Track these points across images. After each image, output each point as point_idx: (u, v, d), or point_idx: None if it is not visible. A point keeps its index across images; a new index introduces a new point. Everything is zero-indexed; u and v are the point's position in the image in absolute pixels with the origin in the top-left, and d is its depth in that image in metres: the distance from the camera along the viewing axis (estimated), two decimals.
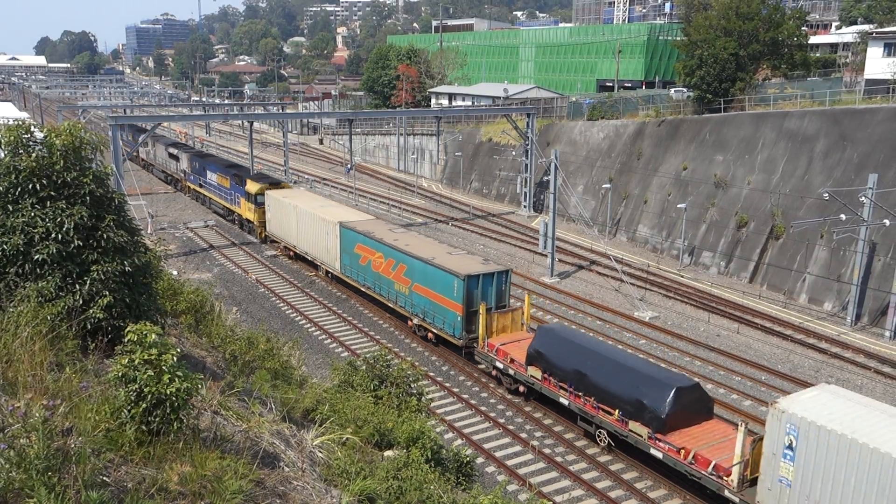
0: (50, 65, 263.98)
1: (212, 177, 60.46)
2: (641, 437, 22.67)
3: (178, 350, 7.57)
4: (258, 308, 39.21)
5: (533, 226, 56.65)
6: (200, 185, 63.66)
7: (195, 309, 15.30)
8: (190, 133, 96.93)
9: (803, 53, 61.66)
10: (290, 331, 34.06)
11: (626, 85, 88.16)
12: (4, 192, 9.43)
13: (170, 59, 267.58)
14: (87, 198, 9.67)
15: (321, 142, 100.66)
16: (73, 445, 5.98)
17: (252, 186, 52.73)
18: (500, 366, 29.01)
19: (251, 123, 66.86)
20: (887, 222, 35.64)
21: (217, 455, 7.20)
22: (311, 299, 40.90)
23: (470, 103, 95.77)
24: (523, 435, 25.98)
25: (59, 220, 9.33)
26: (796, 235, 41.33)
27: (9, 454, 5.46)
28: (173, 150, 71.66)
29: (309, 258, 45.48)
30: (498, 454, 24.63)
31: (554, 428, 26.45)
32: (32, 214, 9.30)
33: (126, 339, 7.36)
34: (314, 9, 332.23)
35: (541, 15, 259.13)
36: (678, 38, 67.76)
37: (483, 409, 27.98)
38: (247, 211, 54.01)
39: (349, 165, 72.00)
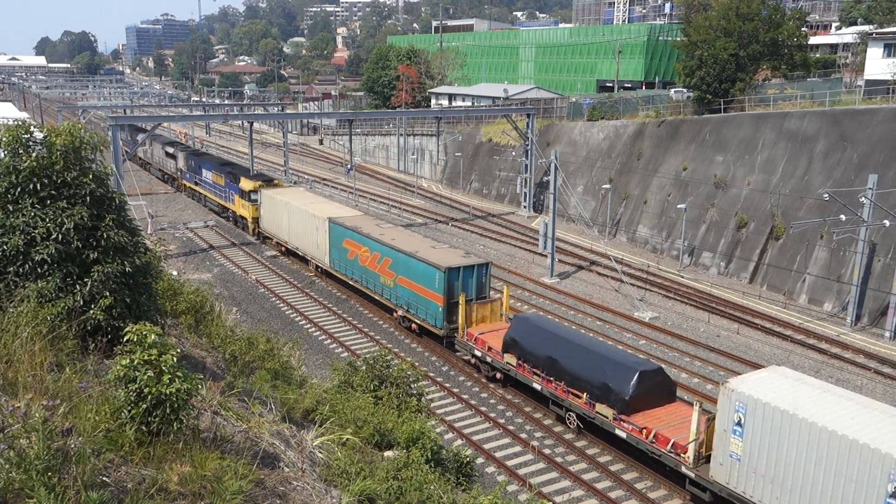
0: (50, 65, 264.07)
1: (207, 175, 61.10)
2: (607, 418, 23.76)
3: (178, 350, 7.56)
4: (258, 308, 39.24)
5: (533, 226, 56.63)
6: (196, 183, 64.43)
7: (195, 309, 15.28)
8: (190, 133, 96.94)
9: (803, 54, 61.69)
10: (290, 331, 34.09)
11: (625, 85, 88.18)
12: (4, 192, 9.41)
13: (170, 60, 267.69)
14: (88, 198, 9.65)
15: (321, 142, 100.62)
16: (72, 446, 5.97)
17: (246, 184, 53.39)
18: (479, 353, 30.18)
19: (251, 124, 66.92)
20: (887, 223, 35.66)
21: (217, 455, 7.19)
22: (310, 299, 40.93)
23: (470, 104, 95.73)
24: (523, 435, 26.00)
25: (59, 220, 9.31)
26: (796, 236, 41.34)
27: (9, 454, 5.46)
28: (170, 149, 72.32)
29: (300, 253, 46.41)
30: (498, 454, 24.65)
31: (554, 428, 26.46)
32: (32, 214, 9.27)
33: (125, 340, 7.35)
34: (314, 9, 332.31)
35: (541, 15, 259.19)
36: (678, 39, 67.70)
37: (483, 409, 28.01)
38: (241, 208, 54.71)
39: (349, 166, 72.02)
